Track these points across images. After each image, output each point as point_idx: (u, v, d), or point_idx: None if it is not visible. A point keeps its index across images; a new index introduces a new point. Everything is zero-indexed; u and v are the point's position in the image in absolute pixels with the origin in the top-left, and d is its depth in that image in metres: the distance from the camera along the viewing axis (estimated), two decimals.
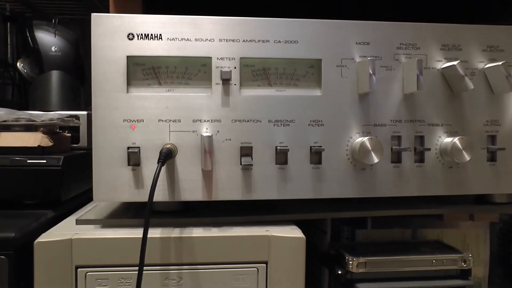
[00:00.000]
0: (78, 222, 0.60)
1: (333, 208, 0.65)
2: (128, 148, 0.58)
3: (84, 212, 0.65)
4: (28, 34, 0.92)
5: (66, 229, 0.58)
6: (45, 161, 0.65)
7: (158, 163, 0.52)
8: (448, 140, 0.63)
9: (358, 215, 0.65)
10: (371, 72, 0.59)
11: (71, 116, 0.76)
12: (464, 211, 0.68)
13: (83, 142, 0.82)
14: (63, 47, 0.90)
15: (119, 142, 0.58)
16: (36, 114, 0.71)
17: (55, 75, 0.87)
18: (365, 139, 0.59)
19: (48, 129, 0.71)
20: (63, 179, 0.66)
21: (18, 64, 0.90)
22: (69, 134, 0.77)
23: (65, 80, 0.87)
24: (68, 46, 0.91)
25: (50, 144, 0.68)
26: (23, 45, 0.97)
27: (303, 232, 0.59)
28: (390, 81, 0.62)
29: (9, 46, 1.25)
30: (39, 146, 0.67)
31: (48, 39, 0.91)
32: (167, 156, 0.54)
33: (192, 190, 0.59)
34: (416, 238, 0.72)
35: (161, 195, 0.59)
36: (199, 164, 0.59)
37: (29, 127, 0.70)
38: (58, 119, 0.70)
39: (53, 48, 0.90)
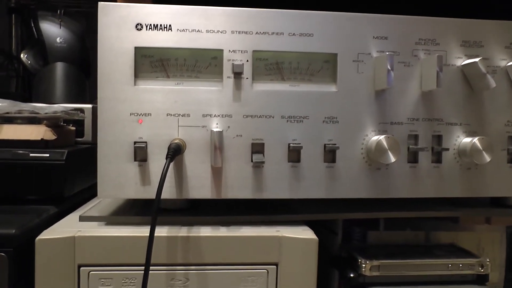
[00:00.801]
0: (82, 218, 0.57)
1: (345, 208, 0.63)
2: (135, 143, 0.55)
3: (88, 209, 0.63)
4: (32, 25, 0.88)
5: (69, 226, 0.55)
6: (48, 155, 0.62)
7: (166, 159, 0.50)
8: (467, 140, 0.60)
9: (371, 216, 0.62)
10: (389, 68, 0.56)
11: (75, 109, 0.73)
12: (482, 214, 0.65)
13: (87, 136, 0.79)
14: (69, 39, 0.87)
15: (126, 137, 0.55)
16: (40, 107, 0.68)
17: (59, 67, 0.84)
18: (382, 137, 0.56)
19: (52, 122, 0.68)
20: (66, 174, 0.63)
21: (22, 55, 0.87)
22: (74, 128, 0.74)
23: (70, 72, 0.83)
24: (73, 37, 0.88)
25: (54, 137, 0.65)
26: (28, 36, 0.94)
27: None
28: (408, 78, 0.59)
29: (13, 38, 1.22)
30: (42, 139, 0.64)
31: (53, 30, 0.88)
32: (175, 152, 0.51)
33: (200, 188, 0.56)
34: (430, 240, 0.69)
35: (168, 192, 0.56)
36: (208, 160, 0.56)
37: (32, 120, 0.67)
38: (62, 112, 0.67)
39: (58, 40, 0.87)
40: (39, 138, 0.64)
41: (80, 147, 0.71)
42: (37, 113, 0.65)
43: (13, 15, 1.23)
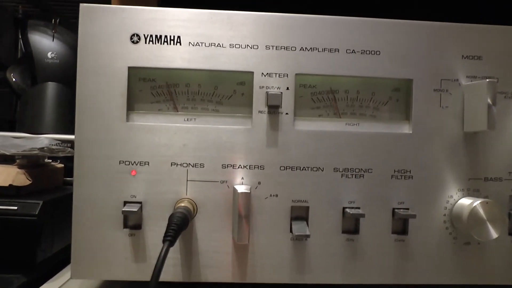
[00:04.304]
0: None
1: None
2: (126, 203, 0.36)
3: (65, 280, 0.44)
4: (20, 36, 0.70)
5: None
6: (16, 207, 0.43)
7: (164, 241, 0.30)
8: None
9: None
10: (489, 101, 0.36)
11: (65, 141, 0.55)
12: None
13: None
14: (63, 54, 0.67)
15: (113, 194, 0.36)
16: (12, 140, 0.49)
17: (50, 88, 0.64)
18: (477, 203, 0.36)
19: (30, 160, 0.49)
20: (40, 233, 0.44)
21: (7, 73, 0.68)
22: (62, 165, 0.56)
23: (62, 94, 0.63)
24: (68, 52, 0.67)
25: (28, 182, 0.46)
26: (15, 50, 0.76)
27: None
28: (509, 115, 0.39)
29: (19, 52, 1.05)
30: (10, 185, 0.45)
31: (45, 43, 0.68)
32: (180, 229, 0.31)
33: (217, 268, 0.37)
34: None
35: (171, 272, 0.37)
36: (229, 229, 0.37)
37: (5, 157, 0.49)
38: (43, 149, 0.48)
39: (49, 55, 0.67)
40: (7, 184, 0.45)
41: (66, 191, 0.52)
42: (6, 150, 0.46)
43: (20, 27, 1.05)
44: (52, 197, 0.48)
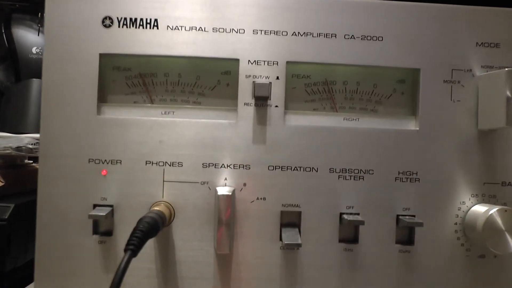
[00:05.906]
0: None
1: None
2: (95, 206, 0.32)
3: None
4: (3, 31, 0.67)
5: None
6: None
7: (125, 250, 0.25)
8: None
9: None
10: (509, 94, 0.32)
11: None
12: None
13: None
14: None
15: (81, 197, 0.32)
16: None
17: (34, 85, 0.61)
18: (494, 210, 0.32)
19: (6, 161, 0.46)
20: (9, 239, 0.40)
21: None
22: None
23: None
24: None
25: (0, 184, 0.43)
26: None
27: None
28: None
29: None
30: None
31: (29, 38, 0.65)
32: (146, 236, 0.27)
33: (196, 280, 0.33)
34: None
35: (145, 284, 0.33)
36: (210, 236, 0.32)
37: None
38: (19, 148, 0.45)
39: (34, 50, 0.64)
40: None
41: None
42: None
43: (2, 21, 1.03)
44: (28, 200, 0.44)
